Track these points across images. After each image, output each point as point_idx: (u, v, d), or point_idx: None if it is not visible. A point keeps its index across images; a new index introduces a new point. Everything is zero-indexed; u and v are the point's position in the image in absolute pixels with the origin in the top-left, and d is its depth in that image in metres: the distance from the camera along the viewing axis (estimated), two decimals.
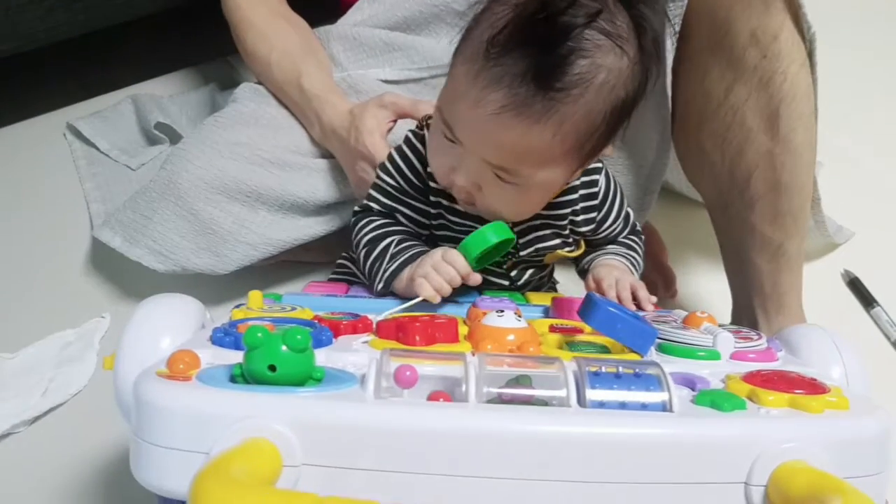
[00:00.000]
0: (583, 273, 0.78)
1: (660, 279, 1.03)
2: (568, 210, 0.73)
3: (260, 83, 0.99)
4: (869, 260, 1.08)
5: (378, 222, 0.73)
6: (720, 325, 0.60)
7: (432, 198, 0.73)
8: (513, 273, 0.76)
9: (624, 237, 0.80)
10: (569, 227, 0.74)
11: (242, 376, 0.44)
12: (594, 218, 0.75)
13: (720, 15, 0.70)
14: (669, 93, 0.77)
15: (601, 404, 0.43)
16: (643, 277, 1.02)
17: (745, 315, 0.85)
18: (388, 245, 0.71)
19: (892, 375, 0.96)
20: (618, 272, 0.73)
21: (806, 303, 0.85)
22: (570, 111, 0.59)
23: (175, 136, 1.17)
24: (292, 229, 0.94)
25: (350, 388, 0.44)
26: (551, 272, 0.85)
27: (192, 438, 0.41)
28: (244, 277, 0.97)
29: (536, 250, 0.74)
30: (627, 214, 0.79)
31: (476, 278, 0.66)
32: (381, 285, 0.70)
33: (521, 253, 0.73)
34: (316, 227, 0.95)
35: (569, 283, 0.91)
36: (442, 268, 0.64)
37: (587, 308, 0.53)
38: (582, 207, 0.73)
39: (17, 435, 0.87)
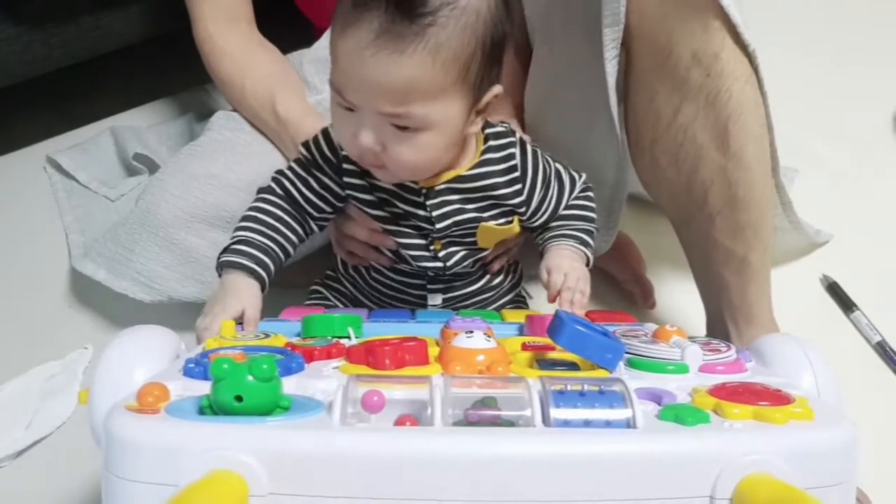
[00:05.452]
0: (541, 256, 0.78)
1: (638, 291, 1.03)
2: (487, 182, 0.73)
3: (234, 110, 1.00)
4: (847, 264, 1.08)
5: (260, 205, 0.75)
6: (690, 338, 0.60)
7: (346, 178, 0.73)
8: (441, 254, 0.76)
9: (573, 199, 0.79)
10: (493, 199, 0.74)
11: (211, 407, 0.45)
12: (521, 189, 0.75)
13: (661, 38, 0.71)
14: (615, 112, 0.77)
15: (565, 422, 0.44)
16: (620, 289, 1.04)
17: (718, 327, 0.85)
18: (236, 235, 0.73)
19: (873, 379, 0.97)
20: (567, 263, 0.73)
21: (784, 309, 0.86)
22: (444, 37, 0.60)
23: (154, 167, 1.17)
24: None
25: (317, 415, 0.44)
26: (510, 272, 0.85)
27: (160, 471, 0.41)
28: None
29: (456, 223, 0.74)
30: (559, 179, 0.78)
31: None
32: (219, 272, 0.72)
33: (438, 226, 0.73)
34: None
35: (541, 298, 0.92)
36: (209, 317, 0.66)
37: (555, 327, 0.53)
38: (507, 180, 0.74)
39: (2, 469, 0.87)
